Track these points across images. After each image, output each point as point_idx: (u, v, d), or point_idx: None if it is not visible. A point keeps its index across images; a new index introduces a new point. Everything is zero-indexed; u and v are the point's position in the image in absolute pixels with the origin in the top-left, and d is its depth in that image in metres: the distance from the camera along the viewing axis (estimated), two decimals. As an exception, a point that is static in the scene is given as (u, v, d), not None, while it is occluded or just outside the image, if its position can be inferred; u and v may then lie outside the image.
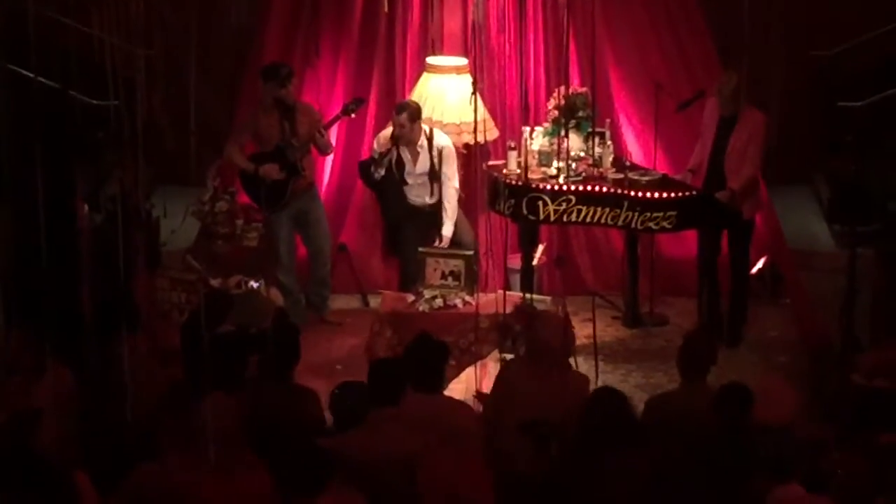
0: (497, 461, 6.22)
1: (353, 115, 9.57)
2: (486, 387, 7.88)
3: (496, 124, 9.71)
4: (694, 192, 9.14)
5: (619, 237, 9.99)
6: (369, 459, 5.84)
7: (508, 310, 8.07)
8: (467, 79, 9.23)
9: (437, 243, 9.20)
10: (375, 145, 9.47)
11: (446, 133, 9.40)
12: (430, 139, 9.32)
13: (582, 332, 8.84)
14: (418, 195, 9.41)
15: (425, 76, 9.72)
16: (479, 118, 8.28)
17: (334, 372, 8.80)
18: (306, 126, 9.43)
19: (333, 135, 9.97)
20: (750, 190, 9.23)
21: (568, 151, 9.08)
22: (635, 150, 10.11)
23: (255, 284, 9.19)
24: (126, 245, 6.82)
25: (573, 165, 9.19)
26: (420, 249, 8.81)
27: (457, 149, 9.41)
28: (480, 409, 7.02)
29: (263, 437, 5.90)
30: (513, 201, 9.13)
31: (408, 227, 9.41)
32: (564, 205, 9.06)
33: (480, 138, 8.86)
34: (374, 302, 9.75)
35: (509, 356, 8.14)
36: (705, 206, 9.09)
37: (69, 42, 8.13)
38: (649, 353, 9.35)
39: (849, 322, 8.71)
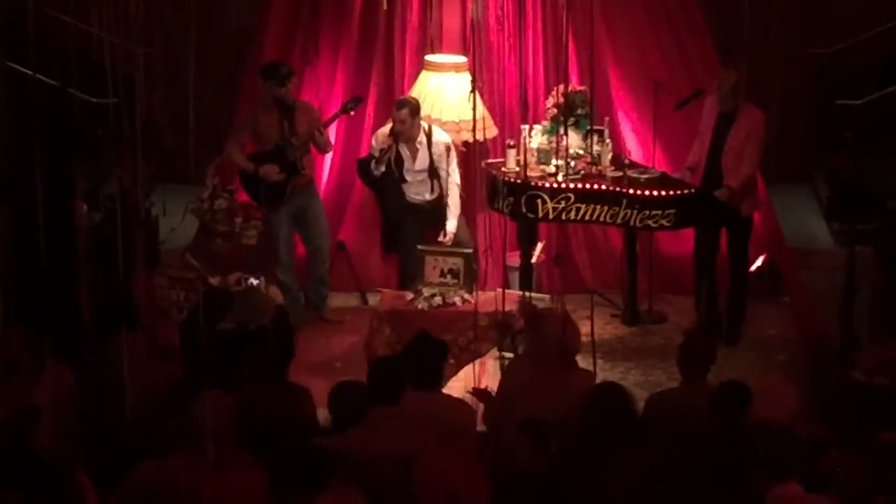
0: (497, 460, 6.22)
1: (351, 114, 9.58)
2: (485, 384, 7.90)
3: (495, 122, 9.71)
4: (693, 190, 9.14)
5: (617, 235, 9.99)
6: (369, 458, 5.84)
7: (507, 308, 8.06)
8: (466, 77, 9.23)
9: (441, 237, 9.22)
10: (374, 143, 9.47)
11: (445, 131, 9.40)
12: (429, 136, 9.32)
13: (580, 330, 8.82)
14: (417, 192, 9.42)
15: (424, 74, 9.72)
16: (477, 116, 8.30)
17: (333, 370, 8.81)
18: (306, 125, 9.43)
19: (332, 133, 9.97)
20: (748, 188, 9.23)
21: (567, 149, 9.07)
22: (634, 148, 10.11)
23: (255, 282, 9.19)
24: (125, 243, 6.81)
25: (572, 163, 9.19)
26: (419, 247, 8.81)
27: (456, 147, 9.41)
28: (478, 406, 7.01)
29: (257, 435, 5.90)
30: (511, 199, 9.13)
31: (407, 224, 9.41)
32: (563, 203, 9.06)
33: (479, 136, 8.86)
34: (372, 300, 9.75)
35: (508, 354, 8.15)
36: (704, 203, 9.09)
37: (69, 40, 8.13)
38: (648, 350, 9.35)
39: (848, 320, 8.73)
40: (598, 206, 9.06)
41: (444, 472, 5.46)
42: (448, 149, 9.32)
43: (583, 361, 8.22)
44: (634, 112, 10.17)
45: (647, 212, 8.99)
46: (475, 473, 5.54)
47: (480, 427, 6.79)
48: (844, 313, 8.73)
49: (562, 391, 6.57)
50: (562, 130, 9.01)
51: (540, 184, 9.11)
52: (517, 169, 9.15)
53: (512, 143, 9.39)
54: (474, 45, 8.89)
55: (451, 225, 9.30)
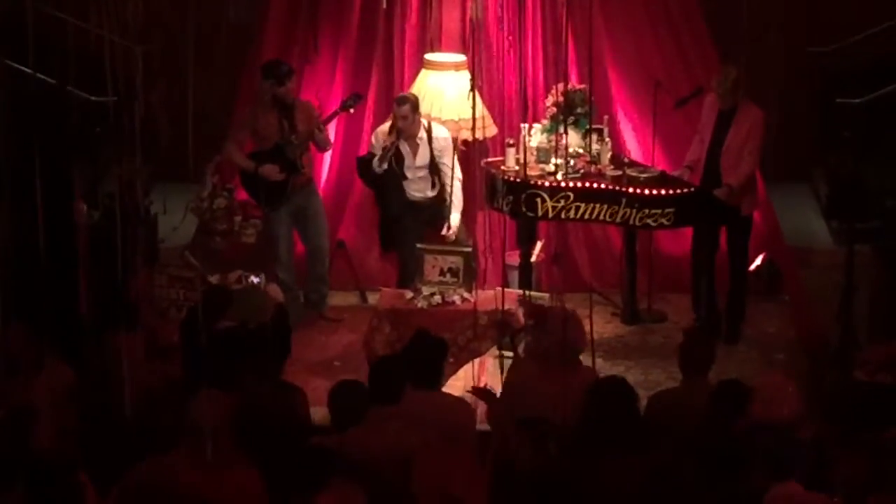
0: (498, 460, 6.21)
1: (351, 111, 9.58)
2: (484, 383, 7.90)
3: (494, 121, 9.70)
4: (692, 189, 9.14)
5: (617, 234, 9.99)
6: (369, 457, 5.84)
7: (507, 307, 8.06)
8: (466, 75, 9.23)
9: (444, 231, 9.22)
10: (374, 141, 9.46)
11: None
12: (429, 132, 9.32)
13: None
14: (418, 189, 9.41)
15: (424, 73, 9.71)
16: (477, 115, 8.28)
17: (332, 368, 8.82)
18: (305, 123, 9.42)
19: (332, 131, 9.96)
20: (748, 186, 9.22)
21: (566, 148, 9.07)
22: (634, 147, 10.11)
23: (255, 280, 9.18)
24: (124, 242, 6.80)
25: (571, 162, 9.18)
26: (418, 246, 8.81)
27: (455, 145, 9.41)
28: (478, 405, 7.01)
29: (252, 435, 5.90)
30: (511, 198, 9.13)
31: (407, 221, 9.41)
32: (563, 201, 9.06)
33: (479, 135, 8.85)
34: (372, 298, 9.73)
35: (508, 353, 8.15)
36: (703, 202, 9.09)
37: (67, 38, 8.13)
38: (647, 349, 9.35)
39: (847, 319, 8.72)
40: (598, 205, 9.05)
41: (444, 471, 5.46)
42: (449, 142, 9.32)
43: (582, 360, 8.23)
44: (634, 111, 10.16)
45: (647, 210, 8.99)
46: (475, 473, 5.54)
47: (481, 426, 6.79)
48: (844, 312, 8.72)
49: (566, 389, 6.56)
50: (561, 129, 9.01)
51: (539, 182, 9.11)
52: (517, 168, 9.14)
53: (511, 141, 9.38)
54: (474, 44, 8.89)
55: (455, 219, 9.31)
